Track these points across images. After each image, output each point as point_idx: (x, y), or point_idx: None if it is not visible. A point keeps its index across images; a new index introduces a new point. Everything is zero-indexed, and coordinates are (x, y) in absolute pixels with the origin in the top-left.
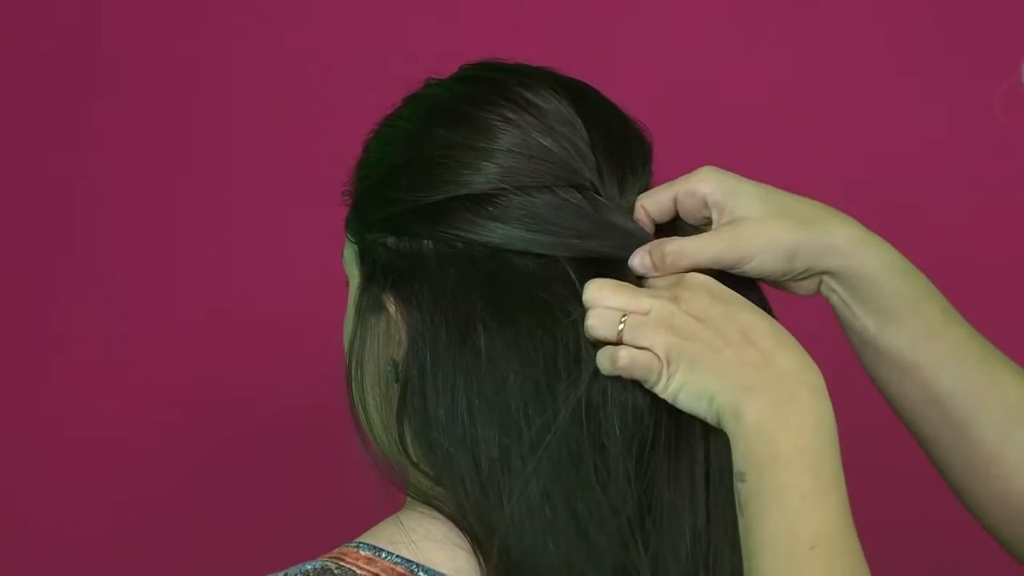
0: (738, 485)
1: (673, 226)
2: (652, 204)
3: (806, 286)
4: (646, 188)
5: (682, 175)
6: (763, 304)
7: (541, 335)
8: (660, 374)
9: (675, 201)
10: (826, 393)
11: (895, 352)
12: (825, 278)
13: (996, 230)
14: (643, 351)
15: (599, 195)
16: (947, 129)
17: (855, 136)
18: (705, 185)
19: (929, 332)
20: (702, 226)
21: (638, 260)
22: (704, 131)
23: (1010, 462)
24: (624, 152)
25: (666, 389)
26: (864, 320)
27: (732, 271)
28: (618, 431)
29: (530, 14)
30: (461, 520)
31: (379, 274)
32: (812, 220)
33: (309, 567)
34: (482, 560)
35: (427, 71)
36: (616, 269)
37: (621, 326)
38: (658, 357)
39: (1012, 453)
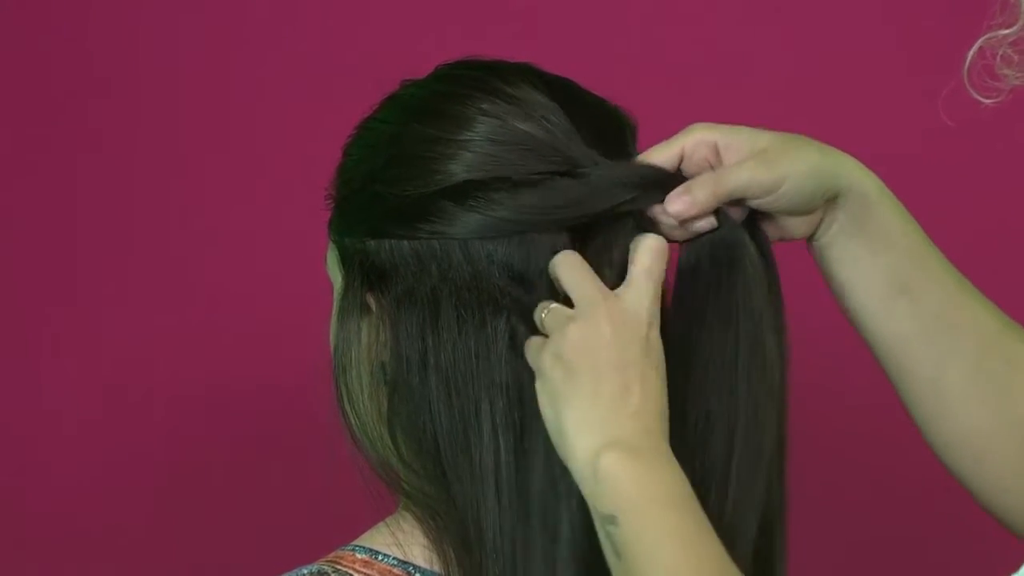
0: (608, 528)
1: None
2: (655, 162)
3: (810, 220)
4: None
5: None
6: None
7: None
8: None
9: (680, 156)
10: None
11: (887, 278)
12: (828, 208)
13: (997, 228)
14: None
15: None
16: (948, 126)
17: (856, 135)
18: (712, 133)
19: (918, 255)
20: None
21: (675, 206)
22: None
23: (981, 394)
24: (608, 131)
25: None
26: (859, 249)
27: (767, 203)
28: None
29: (521, 13)
30: (450, 519)
31: (361, 276)
32: (817, 145)
33: (306, 571)
34: (450, 562)
35: (409, 72)
36: (615, 229)
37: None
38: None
39: (982, 383)
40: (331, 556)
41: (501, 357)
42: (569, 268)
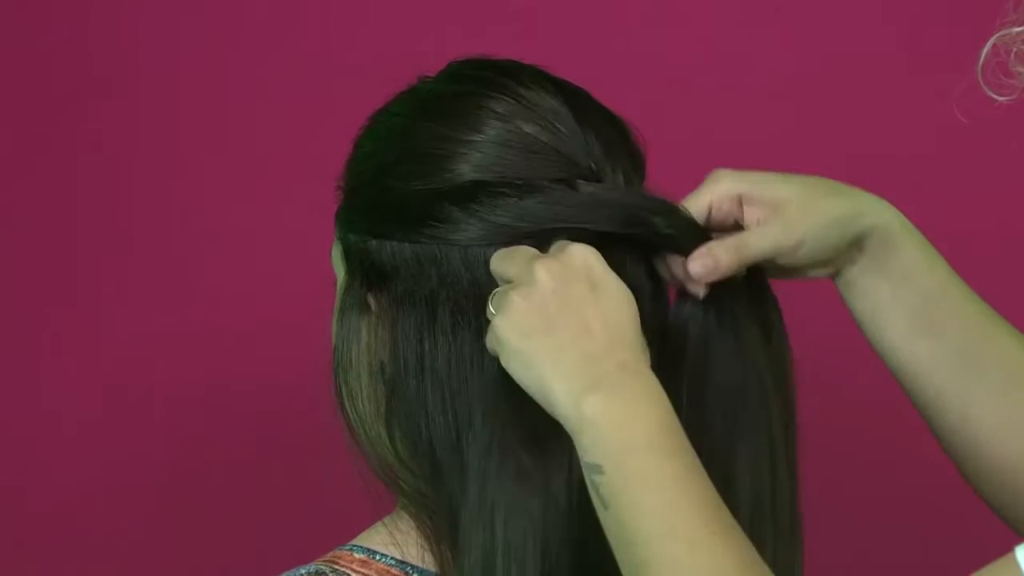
0: (594, 478)
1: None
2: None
3: (832, 265)
4: (642, 182)
5: (694, 187)
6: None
7: None
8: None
9: (709, 209)
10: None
11: (909, 316)
12: (851, 250)
13: (1002, 229)
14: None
15: (589, 180)
16: (951, 126)
17: (855, 136)
18: (738, 184)
19: (941, 289)
20: (731, 231)
21: (697, 267)
22: (705, 131)
23: (1009, 425)
24: (617, 145)
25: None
26: (881, 288)
27: (789, 261)
28: None
29: (521, 13)
30: (445, 519)
31: (361, 275)
32: (839, 190)
33: (304, 571)
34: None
35: (409, 73)
36: (620, 247)
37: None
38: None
39: (1009, 414)
40: (329, 556)
41: (495, 363)
42: (500, 256)
